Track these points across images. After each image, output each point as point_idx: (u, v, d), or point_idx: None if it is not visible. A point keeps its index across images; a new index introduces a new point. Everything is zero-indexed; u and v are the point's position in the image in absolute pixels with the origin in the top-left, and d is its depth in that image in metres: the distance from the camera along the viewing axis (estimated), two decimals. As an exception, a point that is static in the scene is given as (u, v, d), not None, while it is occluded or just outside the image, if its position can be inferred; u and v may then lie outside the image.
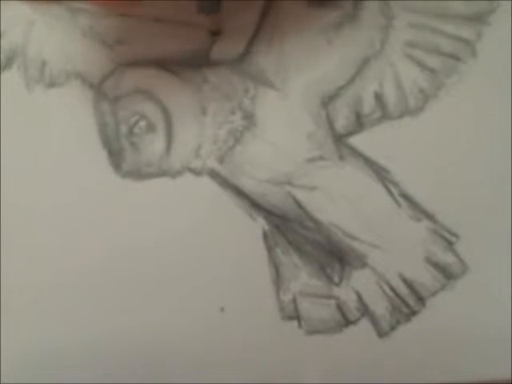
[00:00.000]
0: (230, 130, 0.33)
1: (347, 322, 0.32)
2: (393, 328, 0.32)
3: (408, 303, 0.32)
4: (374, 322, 0.32)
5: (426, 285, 0.32)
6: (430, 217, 0.32)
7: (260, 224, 0.33)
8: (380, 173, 0.32)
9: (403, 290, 0.32)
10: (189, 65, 0.33)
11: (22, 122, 0.34)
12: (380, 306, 0.32)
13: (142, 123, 0.33)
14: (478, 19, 0.32)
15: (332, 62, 0.33)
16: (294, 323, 0.32)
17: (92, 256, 0.33)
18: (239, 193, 0.33)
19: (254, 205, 0.33)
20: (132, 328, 0.33)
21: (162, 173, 0.33)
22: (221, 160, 0.33)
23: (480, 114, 0.32)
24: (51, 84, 0.34)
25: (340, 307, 0.32)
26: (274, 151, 0.33)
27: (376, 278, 0.32)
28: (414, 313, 0.32)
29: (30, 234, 0.33)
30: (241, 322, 0.32)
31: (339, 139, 0.33)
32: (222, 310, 0.32)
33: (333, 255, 0.32)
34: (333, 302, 0.32)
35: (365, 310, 0.32)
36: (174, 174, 0.33)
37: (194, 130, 0.33)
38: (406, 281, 0.32)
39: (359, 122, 0.33)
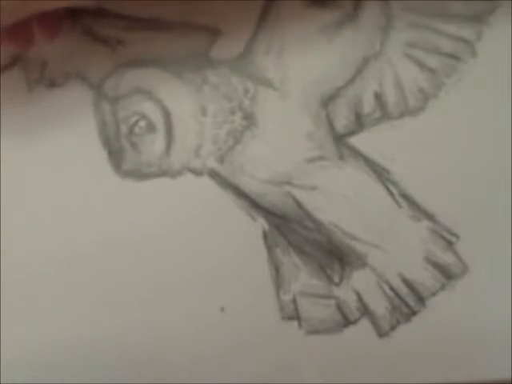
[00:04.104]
0: (229, 130, 0.33)
1: (347, 322, 0.32)
2: (393, 328, 0.32)
3: (408, 303, 0.32)
4: (374, 321, 0.32)
5: (426, 285, 0.32)
6: (430, 217, 0.32)
7: (260, 224, 0.33)
8: (380, 173, 0.32)
9: (403, 289, 0.32)
10: (189, 65, 0.33)
11: (22, 122, 0.34)
12: (380, 306, 0.32)
13: (142, 123, 0.33)
14: (478, 19, 0.32)
15: (332, 62, 0.33)
16: (294, 323, 0.32)
17: (92, 256, 0.33)
18: (239, 193, 0.33)
19: (254, 205, 0.33)
20: (132, 328, 0.33)
21: (162, 173, 0.33)
22: (221, 160, 0.33)
23: (480, 113, 0.32)
24: (51, 84, 0.34)
25: (340, 307, 0.32)
26: (274, 151, 0.33)
27: (376, 278, 0.32)
28: (414, 313, 0.32)
29: (29, 235, 0.33)
30: (241, 322, 0.32)
31: (339, 139, 0.33)
32: (222, 310, 0.32)
33: (333, 255, 0.32)
34: (333, 302, 0.32)
35: (365, 310, 0.32)
36: (174, 174, 0.33)
37: (194, 130, 0.33)
38: (406, 281, 0.32)
39: (359, 122, 0.33)
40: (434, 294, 0.32)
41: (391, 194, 0.32)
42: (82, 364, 0.33)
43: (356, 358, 0.32)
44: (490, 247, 0.32)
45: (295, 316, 0.32)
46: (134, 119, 0.33)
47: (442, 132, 0.32)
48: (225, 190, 0.33)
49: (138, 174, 0.33)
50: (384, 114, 0.32)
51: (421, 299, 0.32)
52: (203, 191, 0.33)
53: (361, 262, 0.32)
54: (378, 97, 0.32)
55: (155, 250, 0.33)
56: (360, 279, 0.32)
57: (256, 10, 0.33)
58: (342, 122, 0.33)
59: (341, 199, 0.32)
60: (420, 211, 0.32)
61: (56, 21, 0.32)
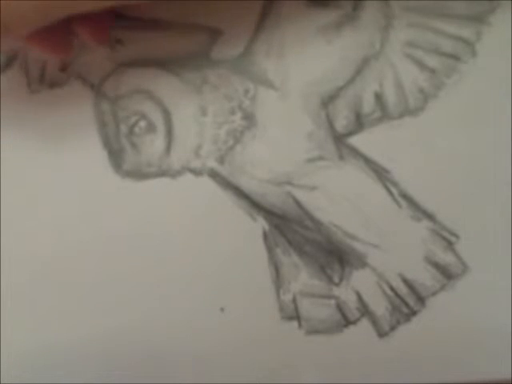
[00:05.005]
0: (229, 130, 0.33)
1: (347, 322, 0.32)
2: (393, 328, 0.32)
3: (408, 303, 0.32)
4: (374, 321, 0.32)
5: (426, 285, 0.32)
6: (430, 217, 0.32)
7: (260, 224, 0.33)
8: (380, 173, 0.32)
9: (403, 289, 0.32)
10: (189, 65, 0.33)
11: (22, 122, 0.34)
12: (380, 306, 0.32)
13: (142, 123, 0.33)
14: (478, 19, 0.32)
15: (332, 62, 0.33)
16: (294, 323, 0.32)
17: (91, 256, 0.33)
18: (239, 193, 0.33)
19: (254, 205, 0.33)
20: (132, 328, 0.33)
21: (162, 173, 0.33)
22: (221, 160, 0.33)
23: (480, 113, 0.32)
24: (52, 84, 0.34)
25: (340, 307, 0.32)
26: (274, 151, 0.33)
27: (376, 278, 0.32)
28: (414, 313, 0.32)
29: (29, 235, 0.33)
30: (241, 322, 0.32)
31: (339, 139, 0.33)
32: (222, 310, 0.32)
33: (333, 255, 0.32)
34: (333, 301, 0.32)
35: (365, 310, 0.32)
36: (174, 174, 0.33)
37: (194, 130, 0.33)
38: (406, 281, 0.32)
39: (359, 122, 0.33)
40: (434, 294, 0.32)
41: (391, 193, 0.32)
42: (82, 364, 0.33)
43: (356, 358, 0.32)
44: (490, 247, 0.32)
45: (295, 316, 0.32)
46: (133, 119, 0.33)
47: (442, 132, 0.32)
48: (225, 190, 0.33)
49: (138, 174, 0.33)
50: (384, 113, 0.32)
51: (421, 299, 0.32)
52: (203, 191, 0.33)
53: (361, 261, 0.32)
54: (378, 97, 0.32)
55: (155, 249, 0.33)
56: (360, 279, 0.32)
57: (256, 10, 0.33)
58: (342, 122, 0.33)
59: (341, 199, 0.32)
60: (420, 211, 0.32)
61: (103, 24, 0.31)
